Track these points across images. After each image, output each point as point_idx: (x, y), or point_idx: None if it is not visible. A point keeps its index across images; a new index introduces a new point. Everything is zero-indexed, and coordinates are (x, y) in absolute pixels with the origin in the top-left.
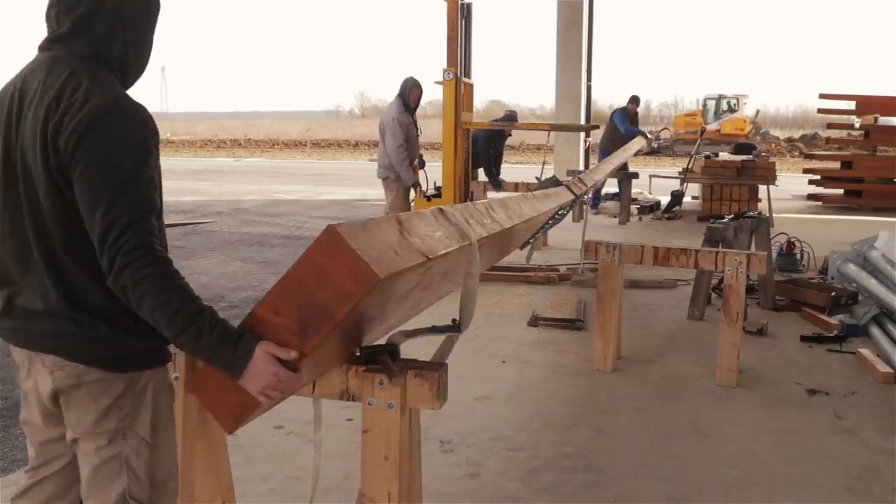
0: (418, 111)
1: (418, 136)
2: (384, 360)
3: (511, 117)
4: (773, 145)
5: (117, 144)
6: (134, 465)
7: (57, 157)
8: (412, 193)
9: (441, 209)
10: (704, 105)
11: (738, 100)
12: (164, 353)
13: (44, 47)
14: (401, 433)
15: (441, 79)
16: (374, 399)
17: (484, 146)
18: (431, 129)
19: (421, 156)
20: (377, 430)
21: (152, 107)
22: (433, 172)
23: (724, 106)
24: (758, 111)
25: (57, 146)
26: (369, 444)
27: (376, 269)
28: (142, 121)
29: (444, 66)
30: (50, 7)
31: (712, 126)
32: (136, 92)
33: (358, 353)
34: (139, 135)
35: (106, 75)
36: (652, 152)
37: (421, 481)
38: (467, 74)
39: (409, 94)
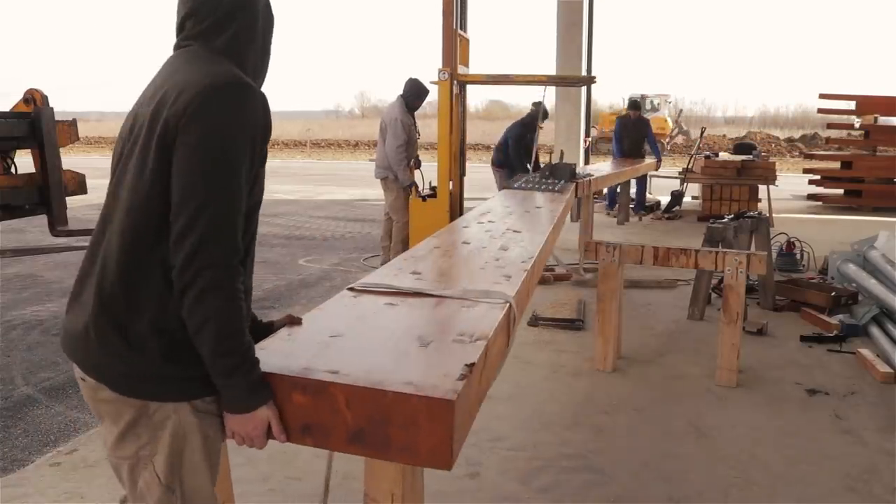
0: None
1: (418, 137)
2: None
3: (634, 104)
4: (690, 141)
5: (212, 141)
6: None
7: (161, 152)
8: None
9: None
10: (629, 104)
11: (662, 99)
12: (188, 389)
13: (176, 46)
14: None
15: (437, 78)
16: None
17: (515, 146)
18: (430, 128)
19: (417, 156)
20: None
21: None
22: (429, 173)
23: (648, 105)
24: (681, 111)
25: (166, 127)
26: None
27: (453, 458)
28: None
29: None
30: (179, 12)
31: None
32: (136, 91)
33: None
34: (250, 120)
35: (233, 68)
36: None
37: (423, 481)
38: (463, 28)
39: (417, 98)
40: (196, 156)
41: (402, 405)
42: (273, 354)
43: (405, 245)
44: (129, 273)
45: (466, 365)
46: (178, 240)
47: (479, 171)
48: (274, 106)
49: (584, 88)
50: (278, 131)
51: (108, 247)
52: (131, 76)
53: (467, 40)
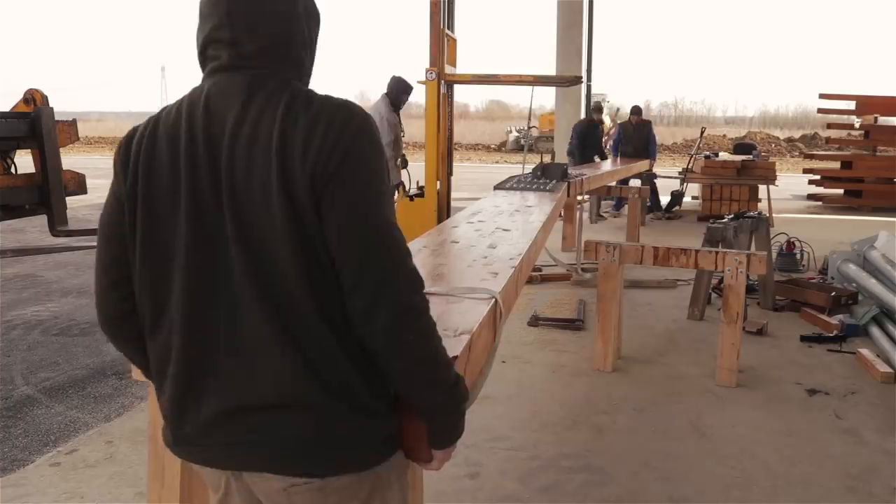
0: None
1: (402, 135)
2: None
3: (597, 107)
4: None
5: (373, 170)
6: None
7: (308, 193)
8: (395, 193)
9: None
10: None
11: (600, 98)
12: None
13: (223, 68)
14: None
15: (424, 78)
16: None
17: (578, 141)
18: (413, 127)
19: (403, 155)
20: None
21: (152, 107)
22: (416, 172)
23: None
24: (618, 109)
25: (309, 180)
26: None
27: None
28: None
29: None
30: (223, 27)
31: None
32: (136, 91)
33: None
34: (384, 157)
35: (324, 96)
36: (520, 149)
37: (422, 481)
38: (450, 28)
39: (401, 95)
40: (363, 198)
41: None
42: None
43: None
44: (338, 330)
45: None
46: (361, 300)
47: (480, 171)
48: None
49: (584, 88)
50: None
51: (289, 317)
52: (131, 76)
53: (455, 40)
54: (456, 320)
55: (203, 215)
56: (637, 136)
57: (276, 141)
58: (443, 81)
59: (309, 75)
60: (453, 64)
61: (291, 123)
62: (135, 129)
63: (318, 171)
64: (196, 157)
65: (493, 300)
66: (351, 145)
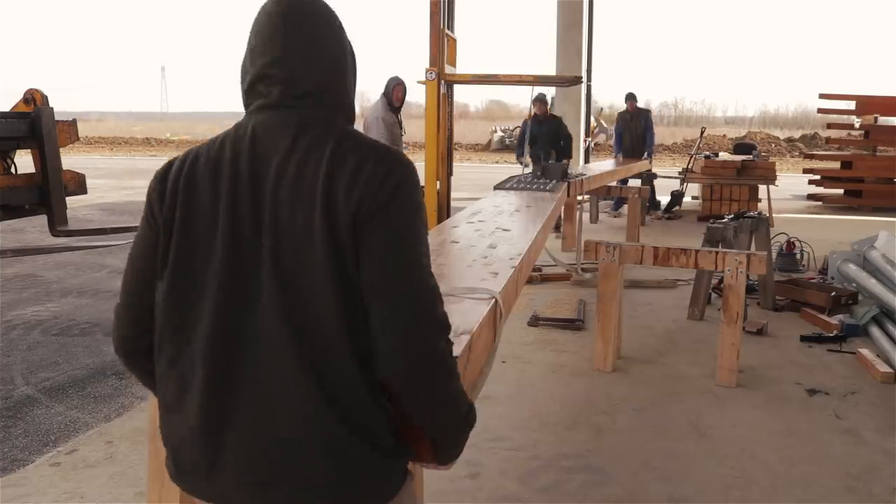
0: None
1: (402, 135)
2: None
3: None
4: (610, 137)
5: (417, 215)
6: None
7: (350, 230)
8: None
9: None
10: (551, 104)
11: (553, 99)
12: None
13: (272, 106)
14: None
15: (424, 78)
16: None
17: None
18: (412, 127)
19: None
20: None
21: (152, 107)
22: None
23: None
24: (601, 109)
25: (352, 217)
26: None
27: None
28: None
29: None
30: (278, 64)
31: None
32: (136, 91)
33: None
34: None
35: (370, 139)
36: (504, 149)
37: (422, 481)
38: (450, 28)
39: (393, 92)
40: (403, 239)
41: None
42: None
43: None
44: (368, 369)
45: None
46: (391, 339)
47: (480, 171)
48: None
49: (584, 88)
50: None
51: (328, 356)
52: (131, 76)
53: (455, 40)
54: (456, 320)
55: (240, 250)
56: (635, 126)
57: (322, 178)
58: (443, 81)
59: (353, 120)
60: (453, 64)
61: (340, 161)
62: (172, 161)
63: (363, 207)
64: (238, 191)
65: (494, 300)
66: (399, 185)
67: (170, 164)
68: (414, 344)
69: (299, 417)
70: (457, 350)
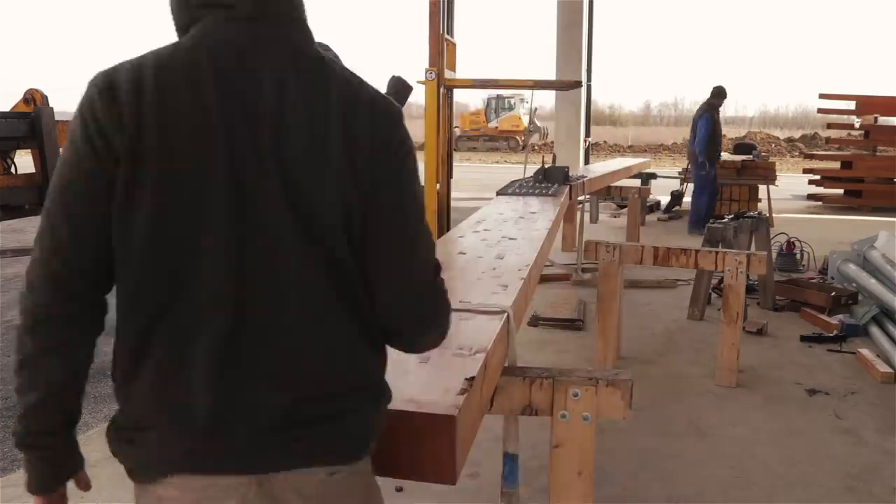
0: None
1: None
2: None
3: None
4: (544, 139)
5: (416, 165)
6: None
7: (367, 171)
8: None
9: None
10: (487, 104)
11: (517, 98)
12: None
13: (244, 17)
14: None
15: (424, 78)
16: (567, 412)
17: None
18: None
19: None
20: (570, 445)
21: None
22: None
23: (505, 105)
24: (535, 109)
25: (366, 159)
26: (561, 460)
27: (457, 472)
28: None
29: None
30: None
31: (493, 123)
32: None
33: None
34: None
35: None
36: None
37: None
38: (450, 32)
39: (402, 95)
40: (410, 185)
41: (404, 423)
42: None
43: None
44: (372, 318)
45: (466, 379)
46: (413, 286)
47: (480, 172)
48: None
49: (584, 88)
50: None
51: (351, 299)
52: None
53: (454, 44)
54: (471, 338)
55: (245, 178)
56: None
57: (337, 109)
58: (442, 87)
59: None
60: (453, 68)
61: (353, 95)
62: (109, 74)
63: (380, 148)
64: (235, 110)
65: (506, 315)
66: (405, 131)
67: (110, 79)
68: (427, 270)
69: (330, 358)
70: (473, 370)
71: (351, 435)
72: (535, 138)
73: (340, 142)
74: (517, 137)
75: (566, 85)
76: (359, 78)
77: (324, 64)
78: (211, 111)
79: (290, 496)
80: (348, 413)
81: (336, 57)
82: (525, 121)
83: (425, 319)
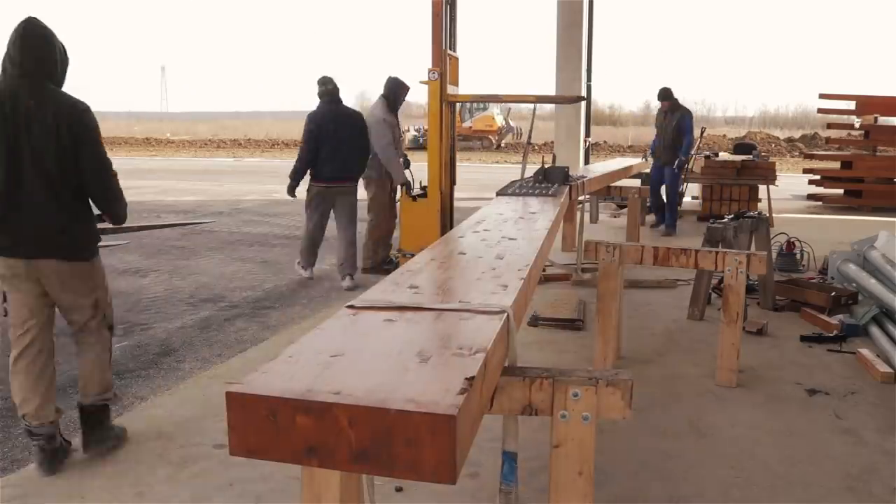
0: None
1: (402, 136)
2: None
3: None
4: (518, 139)
5: (97, 129)
6: (103, 297)
7: (70, 139)
8: (398, 192)
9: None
10: (462, 105)
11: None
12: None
13: (18, 76)
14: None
15: (426, 78)
16: (567, 412)
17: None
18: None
19: (405, 155)
20: (570, 445)
21: (152, 106)
22: (418, 172)
23: (479, 105)
24: (510, 109)
25: (71, 132)
26: (561, 460)
27: (457, 472)
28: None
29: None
30: (16, 54)
31: (467, 123)
32: (136, 91)
33: None
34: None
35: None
36: (418, 149)
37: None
38: (452, 47)
39: (398, 95)
40: (97, 143)
41: (404, 422)
42: (275, 377)
43: (378, 246)
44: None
45: (466, 378)
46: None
47: (480, 172)
48: (274, 106)
49: (584, 88)
50: (279, 131)
51: (48, 184)
52: (131, 76)
53: (456, 59)
54: (471, 338)
55: (15, 147)
56: (666, 125)
57: (52, 112)
58: (444, 102)
59: (60, 84)
60: (455, 83)
61: (57, 105)
62: None
63: (76, 127)
64: (10, 121)
65: (506, 315)
66: (90, 116)
67: None
68: (110, 194)
69: (53, 215)
70: (473, 369)
71: (67, 245)
72: (508, 137)
73: (55, 133)
74: (490, 137)
75: (568, 99)
76: (68, 98)
77: (49, 93)
78: (7, 120)
79: (45, 272)
80: (64, 237)
81: (335, 89)
82: (499, 120)
83: (111, 204)
